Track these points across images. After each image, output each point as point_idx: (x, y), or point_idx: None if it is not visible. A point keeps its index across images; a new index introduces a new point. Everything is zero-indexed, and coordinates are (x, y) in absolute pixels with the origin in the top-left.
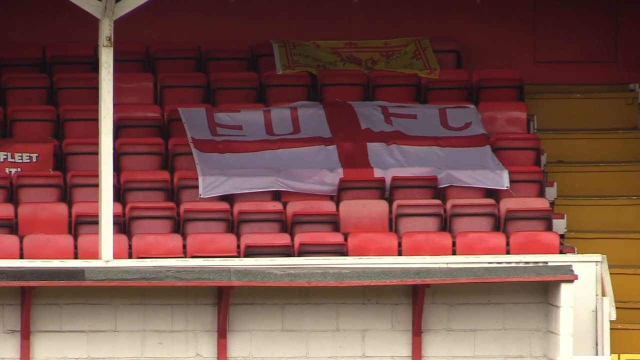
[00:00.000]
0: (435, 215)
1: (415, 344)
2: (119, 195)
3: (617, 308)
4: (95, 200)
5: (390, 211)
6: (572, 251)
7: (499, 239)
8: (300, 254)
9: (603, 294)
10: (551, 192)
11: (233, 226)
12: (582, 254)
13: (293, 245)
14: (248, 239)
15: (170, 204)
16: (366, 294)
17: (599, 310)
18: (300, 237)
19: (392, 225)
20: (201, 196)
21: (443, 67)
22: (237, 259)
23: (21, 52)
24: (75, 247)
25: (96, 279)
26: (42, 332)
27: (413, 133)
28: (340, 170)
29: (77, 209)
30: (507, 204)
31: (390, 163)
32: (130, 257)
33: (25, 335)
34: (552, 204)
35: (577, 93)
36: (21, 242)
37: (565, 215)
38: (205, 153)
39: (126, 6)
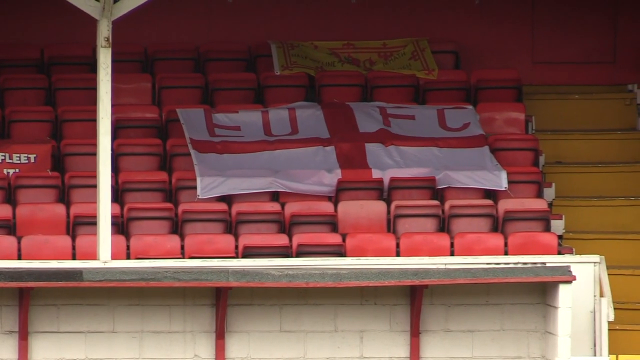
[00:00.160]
0: (433, 216)
1: (414, 344)
2: (117, 196)
3: (615, 309)
4: (94, 201)
5: (389, 212)
6: (570, 252)
7: (497, 239)
8: (299, 254)
9: (601, 295)
10: (549, 192)
11: (231, 227)
12: (580, 254)
13: (291, 245)
14: (246, 239)
15: (169, 205)
16: (364, 295)
17: (597, 311)
18: (298, 238)
19: (390, 226)
20: (199, 197)
21: (441, 68)
22: (235, 260)
23: (19, 53)
24: (73, 247)
25: (94, 279)
26: (40, 333)
27: (411, 134)
28: (339, 171)
29: (75, 209)
30: (505, 205)
31: (388, 164)
32: (128, 257)
33: (23, 336)
34: (550, 204)
35: (576, 94)
36: (19, 242)
37: (564, 216)
38: (203, 154)
39: (124, 7)
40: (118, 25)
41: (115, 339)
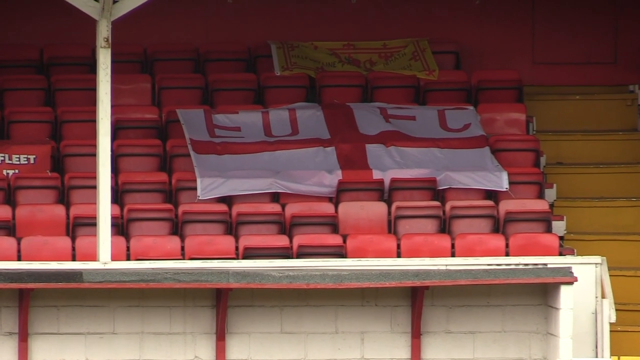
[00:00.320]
0: (434, 217)
1: (415, 346)
2: (117, 196)
3: (616, 310)
4: (93, 201)
5: (389, 213)
6: (571, 253)
7: (498, 240)
8: (299, 255)
9: (603, 296)
10: (550, 193)
11: (231, 228)
12: (581, 255)
13: (292, 247)
14: (246, 240)
15: (169, 206)
16: (365, 296)
17: (599, 312)
18: (298, 239)
19: (391, 227)
20: (199, 198)
21: (442, 69)
22: (235, 261)
23: (19, 54)
24: (73, 249)
25: (94, 280)
26: (40, 334)
27: (412, 134)
28: (339, 171)
29: (74, 210)
30: (506, 206)
31: (389, 164)
32: (128, 259)
33: (23, 337)
34: (551, 205)
35: (576, 94)
36: (19, 244)
37: (565, 217)
38: (203, 155)
39: (124, 7)
40: (117, 26)
41: (115, 340)
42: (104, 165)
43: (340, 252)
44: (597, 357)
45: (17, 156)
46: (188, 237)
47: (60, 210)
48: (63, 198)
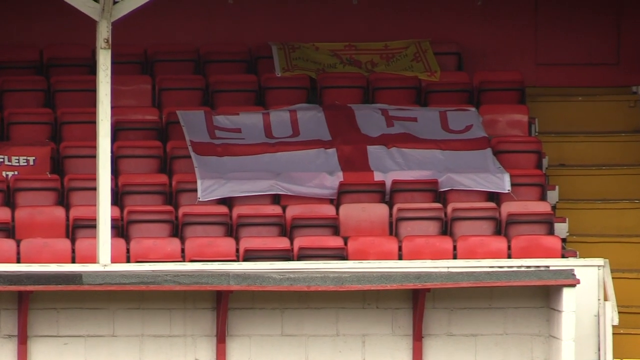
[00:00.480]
0: (435, 219)
1: (416, 348)
2: (117, 198)
3: (619, 312)
4: (93, 203)
5: (391, 215)
6: (574, 255)
7: (500, 242)
8: (300, 258)
9: (605, 299)
10: (553, 195)
11: (232, 230)
12: (584, 258)
13: (292, 249)
14: (247, 242)
15: (169, 208)
16: (366, 299)
17: (602, 314)
18: (299, 241)
19: (393, 229)
20: (200, 200)
21: (444, 70)
22: (236, 263)
23: (18, 55)
24: (73, 251)
25: (94, 283)
26: (39, 337)
27: (414, 136)
28: (340, 173)
29: (74, 212)
30: (508, 208)
31: (390, 166)
32: (128, 261)
33: (23, 340)
34: (553, 207)
35: (579, 96)
36: (18, 246)
37: (567, 219)
38: (203, 156)
39: (124, 8)
40: (118, 27)
41: (115, 343)
42: (104, 167)
43: (341, 254)
44: (599, 359)
45: (17, 158)
46: (188, 239)
47: (60, 212)
48: (63, 200)
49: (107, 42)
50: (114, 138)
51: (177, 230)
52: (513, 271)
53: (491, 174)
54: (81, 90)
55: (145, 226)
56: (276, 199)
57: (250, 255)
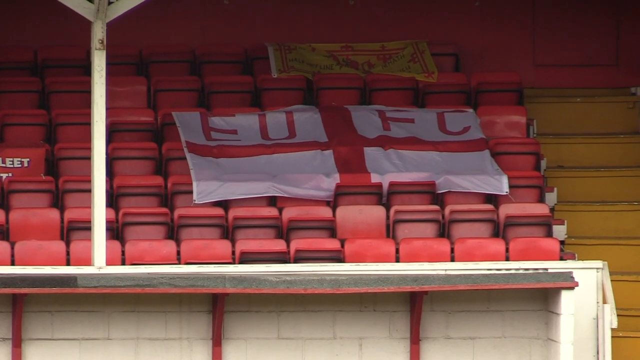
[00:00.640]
0: (433, 221)
1: (413, 352)
2: (112, 200)
3: (618, 315)
4: (88, 205)
5: (388, 217)
6: (572, 258)
7: (498, 245)
8: (296, 260)
9: (604, 301)
10: (551, 197)
11: (228, 232)
12: (582, 260)
13: (289, 251)
14: (243, 245)
15: (164, 210)
16: (363, 301)
17: (600, 317)
18: (296, 244)
19: (390, 231)
20: (195, 202)
21: (441, 71)
22: (232, 266)
23: (12, 56)
24: (68, 253)
25: (89, 285)
26: (33, 340)
27: (411, 137)
28: (337, 175)
29: (69, 214)
30: (506, 210)
31: (387, 168)
32: (123, 263)
33: (17, 343)
34: (552, 209)
35: (578, 97)
36: (12, 248)
37: (566, 221)
38: (199, 157)
39: (119, 8)
40: (113, 27)
41: (110, 346)
42: (99, 169)
43: (338, 257)
44: None
45: (11, 159)
46: (184, 242)
47: (54, 214)
48: (57, 202)
49: (102, 43)
50: (109, 139)
51: (173, 232)
52: (511, 274)
53: (489, 175)
54: (76, 91)
55: (140, 228)
56: (272, 201)
57: (247, 258)
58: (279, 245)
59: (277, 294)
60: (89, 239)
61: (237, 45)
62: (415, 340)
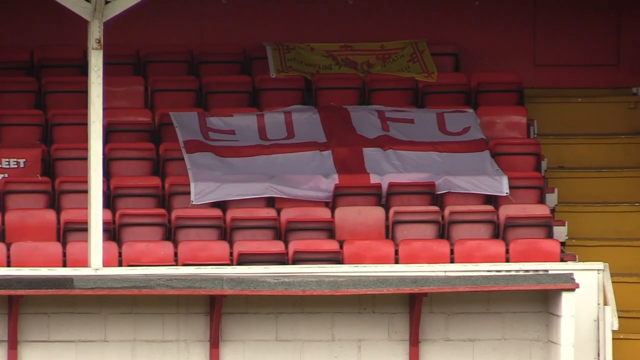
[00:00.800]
0: (432, 222)
1: (413, 354)
2: (109, 201)
3: (619, 317)
4: (85, 206)
5: (387, 218)
6: (573, 259)
7: (498, 246)
8: (295, 261)
9: (605, 303)
10: (552, 198)
11: (226, 233)
12: (583, 262)
13: (287, 252)
14: (241, 246)
15: (161, 211)
16: (362, 303)
17: (601, 319)
18: (294, 245)
19: (389, 232)
20: (193, 203)
21: (441, 71)
22: (229, 267)
23: (8, 55)
24: (64, 254)
25: (85, 287)
26: (29, 342)
27: (410, 138)
28: (336, 176)
29: (65, 215)
30: (506, 211)
31: (386, 169)
32: (120, 265)
33: (13, 345)
34: (552, 210)
35: (579, 97)
36: (8, 249)
37: (566, 222)
38: (197, 154)
39: (116, 8)
40: (110, 27)
41: (107, 348)
42: (96, 170)
43: (336, 258)
44: None
45: (7, 160)
46: (181, 243)
47: (50, 215)
48: (54, 203)
49: (99, 42)
50: (106, 140)
51: (170, 233)
52: (511, 275)
53: (489, 176)
54: (72, 91)
55: (137, 229)
56: (271, 201)
57: (245, 259)
58: (277, 246)
59: (275, 296)
60: (86, 240)
61: (235, 45)
62: (414, 342)
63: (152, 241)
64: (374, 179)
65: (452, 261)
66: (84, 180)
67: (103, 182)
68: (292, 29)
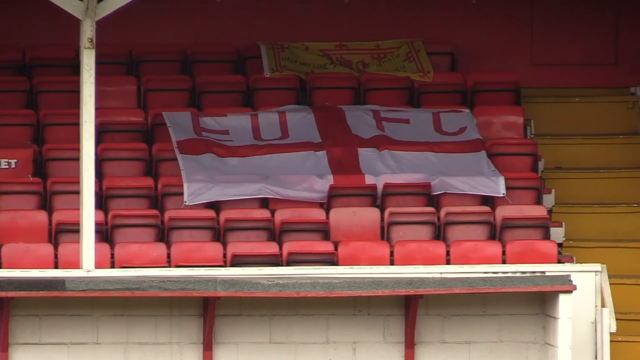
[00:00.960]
0: (428, 224)
1: (408, 356)
2: (101, 202)
3: (617, 319)
4: (77, 207)
5: (382, 219)
6: (570, 260)
7: (494, 247)
8: (289, 263)
9: (603, 305)
10: (549, 199)
11: (219, 234)
12: (580, 263)
13: (281, 254)
14: (235, 247)
15: (154, 212)
16: (357, 305)
17: (599, 321)
18: (288, 246)
19: (384, 233)
20: (186, 203)
21: (437, 70)
22: (223, 269)
23: (0, 54)
24: (56, 256)
25: (77, 289)
26: (21, 345)
27: (406, 138)
28: (330, 176)
29: (57, 216)
30: (503, 212)
31: (382, 169)
32: (112, 266)
33: (4, 347)
34: (549, 211)
35: (576, 97)
36: None
37: (564, 224)
38: (190, 155)
39: (109, 6)
40: (102, 26)
41: (99, 350)
42: (88, 170)
43: (331, 260)
44: None
45: None
46: (174, 244)
47: (42, 216)
48: (45, 204)
49: (91, 41)
50: (98, 140)
51: (163, 234)
52: (508, 277)
53: (486, 177)
54: (64, 91)
55: (130, 231)
56: (265, 202)
57: (238, 261)
58: (271, 247)
59: (269, 298)
60: (78, 241)
61: (229, 44)
62: (410, 345)
63: (145, 242)
64: (369, 179)
65: (448, 263)
66: (76, 181)
67: (95, 182)
68: (287, 28)
